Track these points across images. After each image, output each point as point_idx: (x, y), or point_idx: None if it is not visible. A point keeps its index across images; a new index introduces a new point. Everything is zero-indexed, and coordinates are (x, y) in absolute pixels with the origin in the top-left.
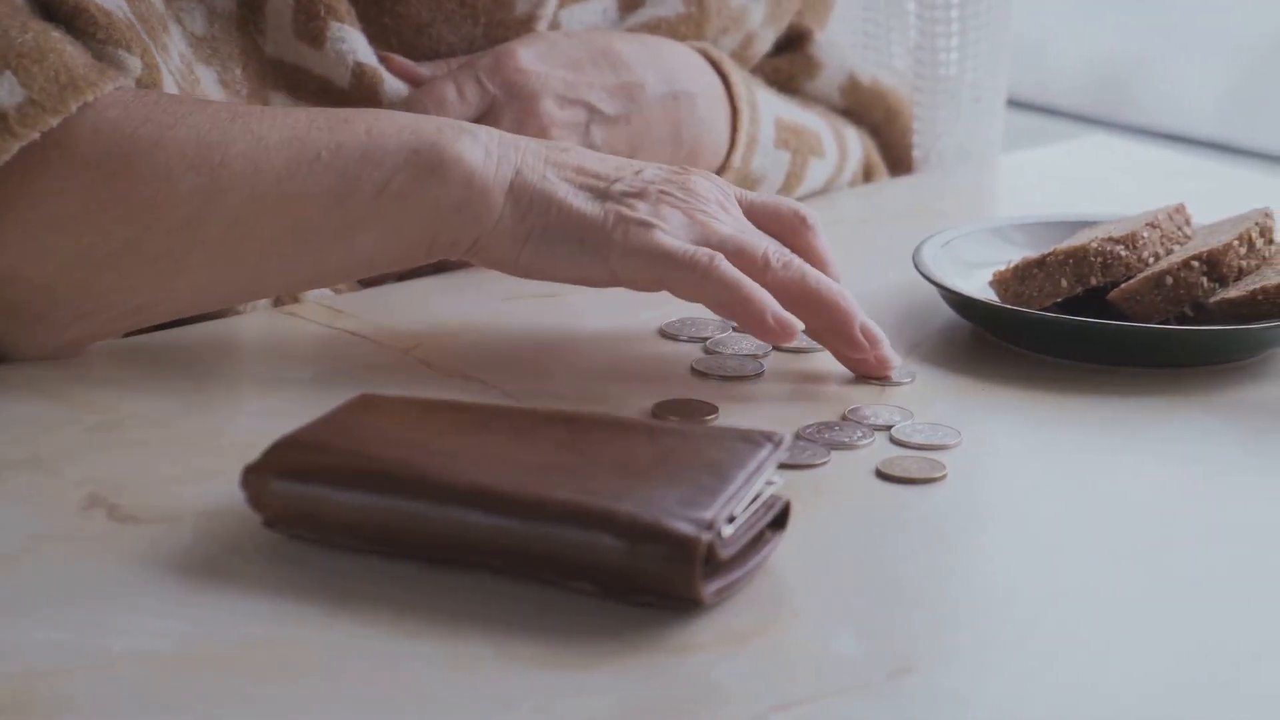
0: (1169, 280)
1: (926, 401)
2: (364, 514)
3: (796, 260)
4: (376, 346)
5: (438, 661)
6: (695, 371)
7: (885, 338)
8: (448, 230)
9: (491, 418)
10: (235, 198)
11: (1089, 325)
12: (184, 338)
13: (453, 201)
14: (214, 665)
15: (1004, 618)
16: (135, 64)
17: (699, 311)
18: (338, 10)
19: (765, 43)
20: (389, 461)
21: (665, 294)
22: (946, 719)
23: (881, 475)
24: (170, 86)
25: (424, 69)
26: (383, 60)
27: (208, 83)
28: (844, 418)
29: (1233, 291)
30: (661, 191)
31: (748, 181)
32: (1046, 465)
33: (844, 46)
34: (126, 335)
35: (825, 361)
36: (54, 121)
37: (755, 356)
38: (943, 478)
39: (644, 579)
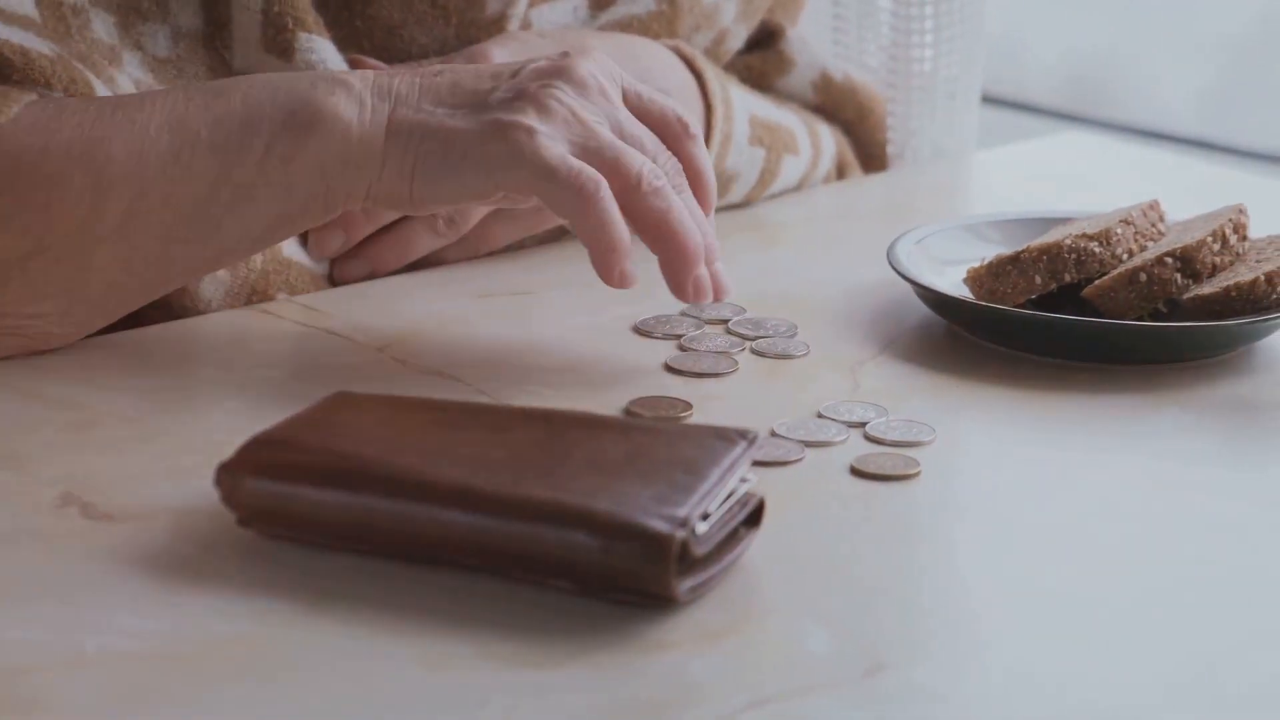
0: (1143, 277)
1: (901, 398)
2: (338, 512)
3: (667, 189)
4: (352, 344)
5: (413, 660)
6: (669, 368)
7: (712, 284)
8: (339, 184)
9: (466, 415)
10: (124, 190)
11: (1063, 322)
12: (158, 336)
13: (336, 156)
14: (187, 664)
15: (978, 615)
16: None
17: (673, 308)
18: (305, 21)
19: (738, 40)
20: (364, 459)
21: (639, 291)
22: (920, 716)
23: (856, 472)
24: None
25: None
26: (354, 63)
27: None
28: (818, 415)
29: (1206, 288)
30: (543, 86)
31: (722, 179)
32: (1021, 462)
33: (816, 43)
34: (95, 334)
35: (799, 360)
36: None
37: (729, 354)
38: (917, 475)
39: (618, 576)
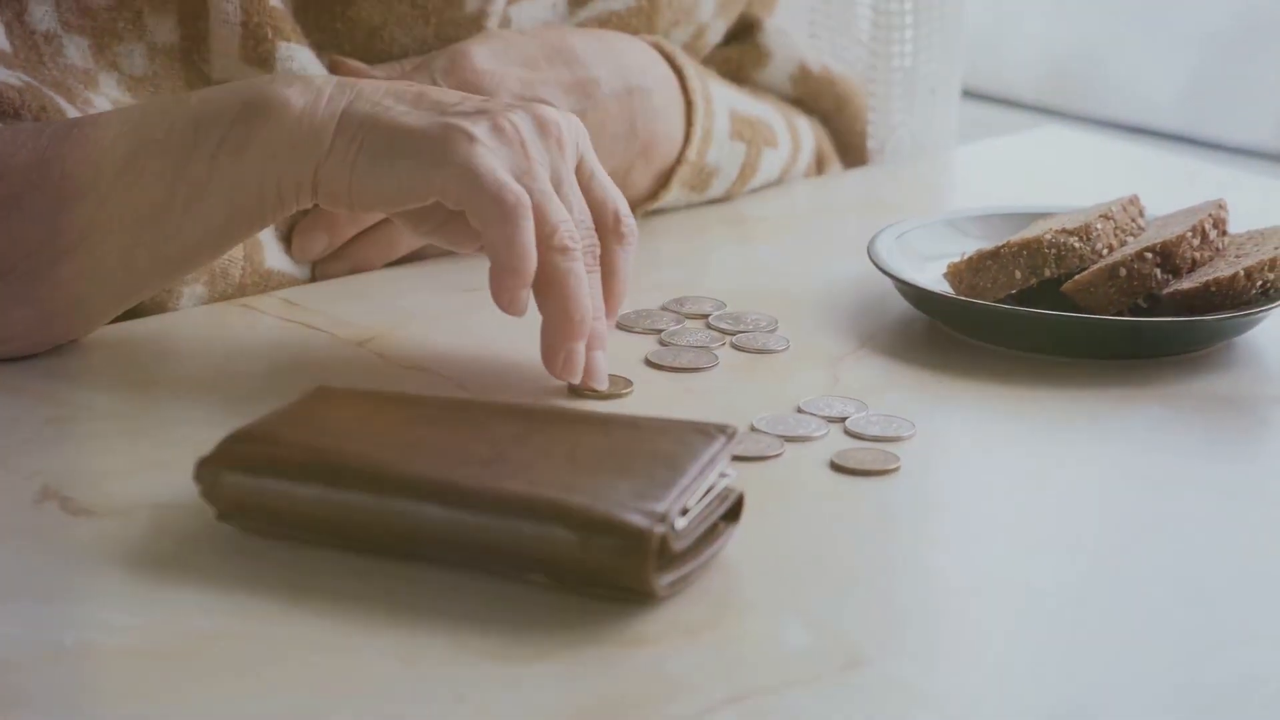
0: (1122, 272)
1: (881, 393)
2: (318, 507)
3: (576, 255)
4: (332, 339)
5: (391, 654)
6: (649, 363)
7: (584, 367)
8: (288, 172)
9: (446, 411)
10: (83, 205)
11: (1043, 317)
12: (138, 331)
13: (284, 141)
14: (167, 658)
15: (957, 610)
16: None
17: (652, 304)
18: (284, 30)
19: (716, 34)
20: (343, 454)
21: None
22: (898, 710)
23: (835, 467)
24: None
25: (377, 72)
26: (336, 65)
27: None
28: (798, 410)
29: (1186, 283)
30: (505, 110)
31: (703, 174)
32: (1000, 457)
33: (793, 35)
34: None
35: (779, 355)
36: None
37: (708, 349)
38: (896, 470)
39: (597, 571)
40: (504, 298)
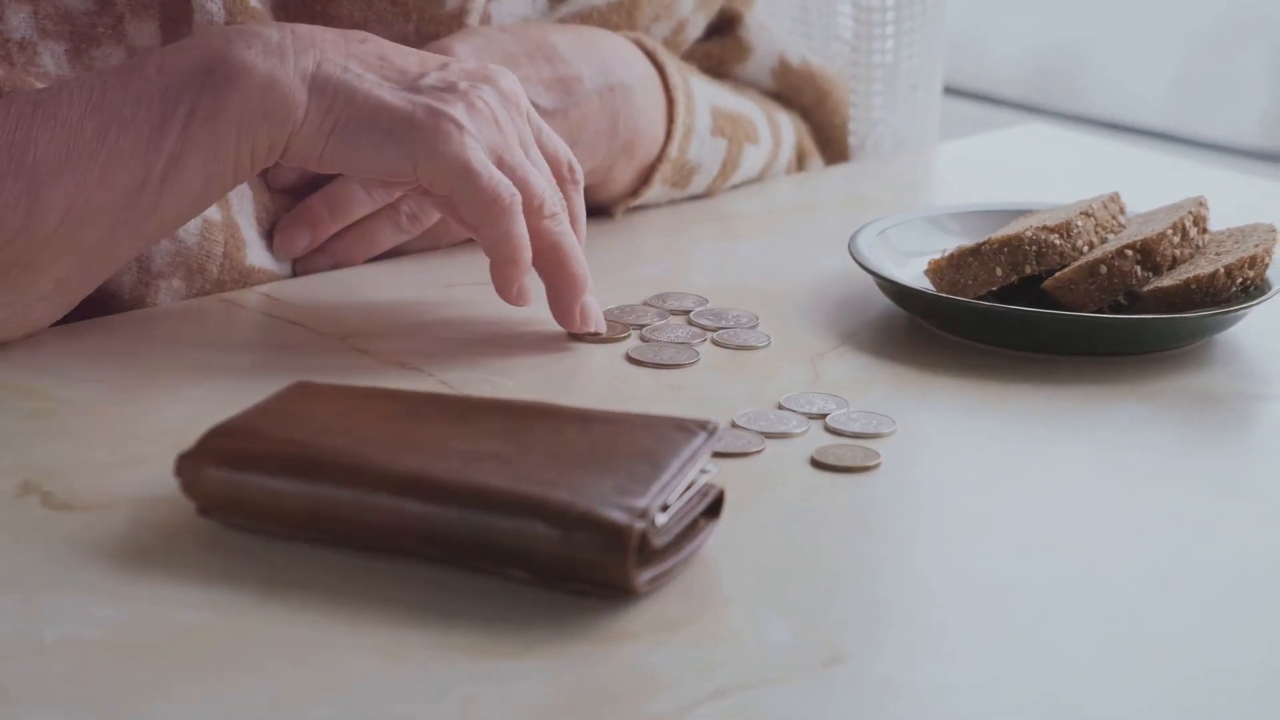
0: (1103, 269)
1: (862, 390)
2: (298, 502)
3: (563, 217)
4: (313, 334)
5: (371, 649)
6: (630, 359)
7: (597, 317)
8: (262, 137)
9: (427, 406)
10: (58, 187)
11: (1023, 314)
12: (119, 325)
13: (256, 109)
14: (147, 653)
15: (937, 606)
16: None
17: (634, 300)
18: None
19: (697, 29)
20: (324, 449)
21: (601, 283)
22: (879, 706)
23: (816, 464)
24: None
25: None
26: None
27: None
28: (779, 406)
29: (1166, 280)
30: (472, 86)
31: (685, 171)
32: (981, 454)
33: (774, 29)
34: (58, 323)
35: (760, 351)
36: None
37: (690, 345)
38: (877, 466)
39: (578, 567)
40: (510, 289)
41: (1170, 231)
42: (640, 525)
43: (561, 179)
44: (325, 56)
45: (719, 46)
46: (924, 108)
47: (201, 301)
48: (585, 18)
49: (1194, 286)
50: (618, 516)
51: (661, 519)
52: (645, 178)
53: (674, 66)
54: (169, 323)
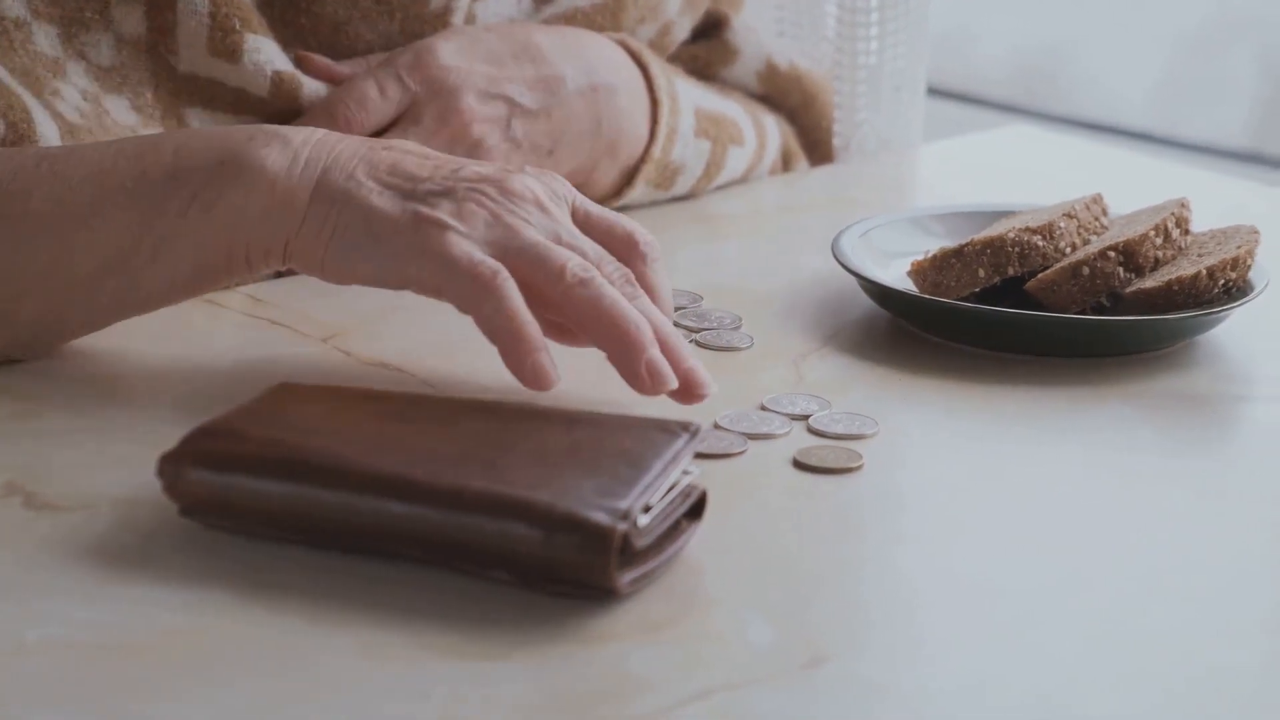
0: (1085, 270)
1: (844, 391)
2: (280, 503)
3: (598, 282)
4: (296, 335)
5: (354, 651)
6: None
7: (667, 374)
8: (258, 238)
9: (410, 407)
10: (44, 242)
11: (1006, 315)
12: None
13: (257, 208)
14: (130, 654)
15: (920, 607)
16: None
17: None
18: (251, 22)
19: (682, 30)
20: (306, 450)
21: None
22: (861, 708)
23: (799, 465)
24: (54, 134)
25: (343, 67)
26: (302, 60)
27: (119, 111)
28: (762, 407)
29: (1148, 282)
30: (471, 189)
31: (668, 171)
32: (963, 455)
33: (760, 32)
34: None
35: (743, 352)
36: None
37: None
38: (860, 468)
39: (560, 568)
40: (524, 370)
41: (1153, 233)
42: (622, 526)
43: (627, 256)
44: (335, 164)
45: (705, 49)
46: (908, 109)
47: (184, 303)
48: (570, 19)
49: (1176, 288)
50: (600, 518)
51: (644, 520)
52: (629, 178)
53: (658, 68)
54: (151, 323)
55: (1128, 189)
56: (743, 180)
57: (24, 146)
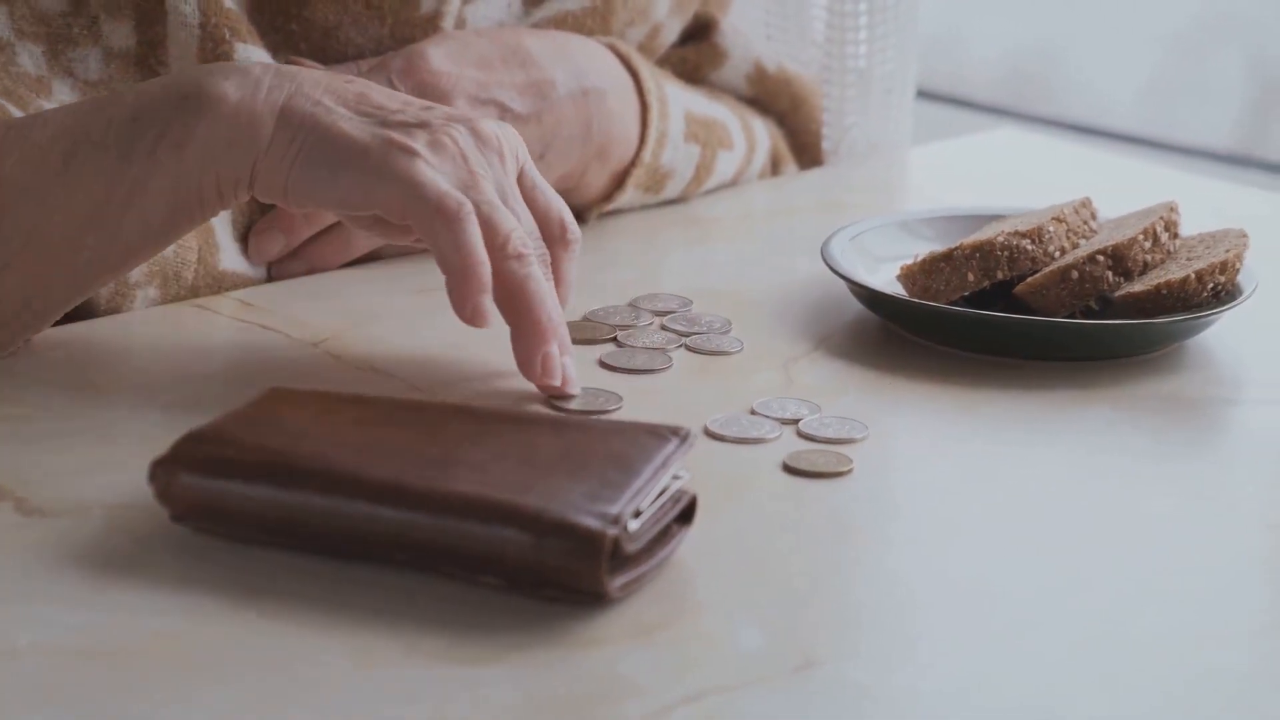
0: (1074, 274)
1: (834, 395)
2: (272, 508)
3: (531, 260)
4: (286, 340)
5: (344, 656)
6: (604, 365)
7: (562, 371)
8: (227, 167)
9: (400, 412)
10: (22, 207)
11: (995, 319)
12: (93, 331)
13: (223, 136)
14: (120, 659)
15: (909, 612)
16: None
17: (606, 304)
18: (241, 31)
19: (671, 33)
20: (297, 456)
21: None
22: (851, 712)
23: (789, 469)
24: None
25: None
26: (293, 64)
27: None
28: (752, 411)
29: (1137, 286)
30: (446, 123)
31: (658, 175)
32: (953, 459)
33: (749, 34)
34: None
35: (733, 356)
36: None
37: (663, 350)
38: (849, 472)
39: (550, 573)
40: (465, 307)
41: (1142, 237)
42: (613, 531)
43: (551, 237)
44: (299, 90)
45: (694, 52)
46: (897, 112)
47: (175, 307)
48: (560, 23)
49: (1165, 292)
50: (590, 523)
51: (634, 525)
52: (619, 182)
53: (648, 72)
54: (143, 328)
55: (1116, 192)
56: (732, 184)
57: None
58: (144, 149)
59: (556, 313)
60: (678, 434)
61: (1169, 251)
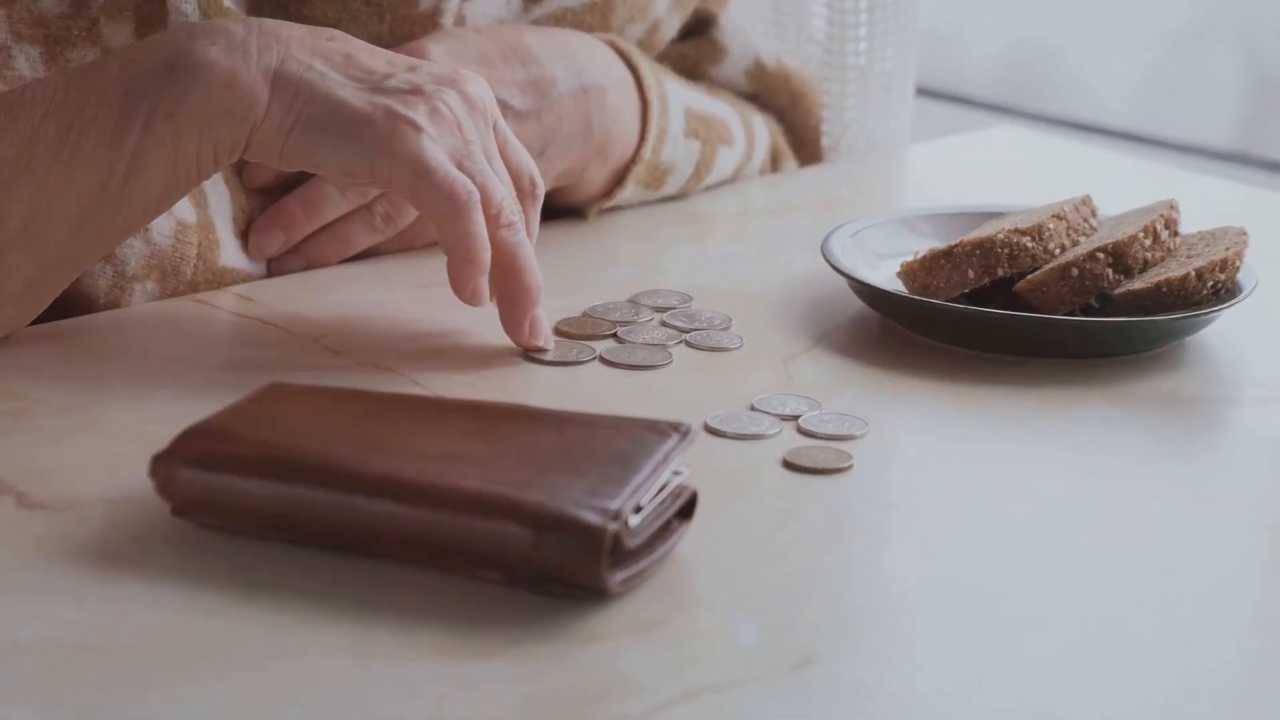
0: (1075, 272)
1: (834, 392)
2: (272, 503)
3: (520, 228)
4: (287, 335)
5: (344, 651)
6: (604, 361)
7: (547, 332)
8: (224, 134)
9: (400, 407)
10: (20, 189)
11: (995, 316)
12: (93, 325)
13: (218, 105)
14: (121, 653)
15: (908, 609)
16: None
17: (606, 300)
18: None
19: (671, 29)
20: (297, 450)
21: (573, 286)
22: (849, 709)
23: (788, 466)
24: None
25: None
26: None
27: None
28: (752, 408)
29: (1137, 283)
30: (437, 89)
31: (658, 172)
32: (952, 456)
33: (748, 30)
34: (31, 323)
35: (733, 353)
36: None
37: (663, 347)
38: (849, 468)
39: (550, 568)
40: (466, 289)
41: (1142, 234)
42: (613, 527)
43: (521, 192)
44: (290, 54)
45: (693, 48)
46: (897, 109)
47: (175, 302)
48: (560, 19)
49: (1165, 289)
50: (591, 518)
51: (634, 520)
52: (619, 179)
53: (648, 68)
54: (143, 323)
55: (1116, 190)
56: (732, 180)
57: None
58: (138, 122)
59: (540, 277)
60: (678, 430)
61: (1169, 249)
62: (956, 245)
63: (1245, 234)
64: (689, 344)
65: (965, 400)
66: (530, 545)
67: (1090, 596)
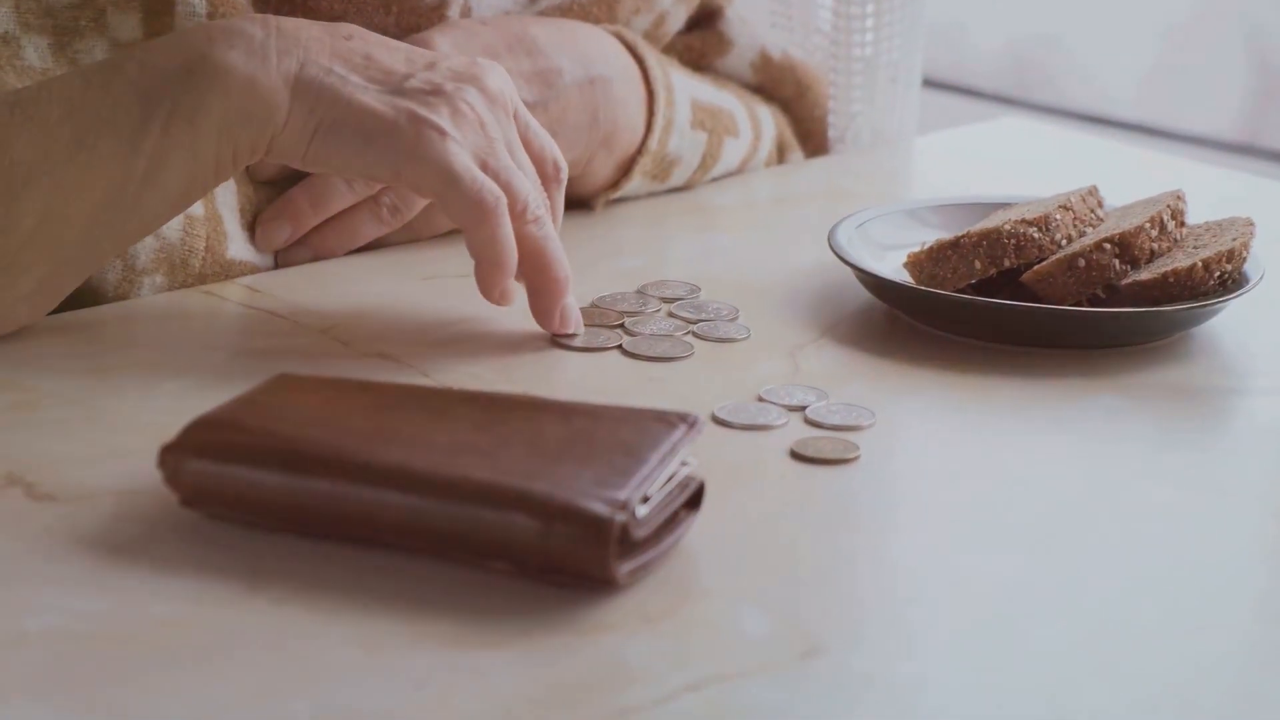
0: (1081, 262)
1: (841, 382)
2: (280, 493)
3: (547, 220)
4: (294, 326)
5: (351, 640)
6: (625, 353)
7: (578, 319)
8: (243, 139)
9: (408, 397)
10: (36, 189)
11: (1002, 307)
12: (101, 317)
13: (239, 110)
14: (130, 643)
15: (914, 599)
16: None
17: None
18: None
19: (677, 21)
20: (305, 441)
21: (583, 275)
22: (856, 700)
23: (796, 456)
24: None
25: None
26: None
27: None
28: (759, 398)
29: (1144, 274)
30: (458, 88)
31: (664, 163)
32: (959, 446)
33: (754, 22)
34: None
35: (740, 344)
36: None
37: (677, 338)
38: (856, 459)
39: (558, 559)
40: (494, 292)
41: (1148, 225)
42: (620, 517)
43: (545, 177)
44: (309, 58)
45: (700, 39)
46: (903, 100)
47: (183, 294)
48: (566, 11)
49: (1172, 280)
50: (598, 508)
51: (642, 511)
52: (625, 170)
53: (654, 59)
54: (151, 315)
55: (1123, 181)
56: (738, 172)
57: None
58: (156, 126)
59: (568, 267)
60: (685, 420)
61: (1175, 240)
62: (963, 236)
63: (1252, 224)
64: (696, 335)
65: (972, 391)
66: (538, 536)
67: (1097, 585)
